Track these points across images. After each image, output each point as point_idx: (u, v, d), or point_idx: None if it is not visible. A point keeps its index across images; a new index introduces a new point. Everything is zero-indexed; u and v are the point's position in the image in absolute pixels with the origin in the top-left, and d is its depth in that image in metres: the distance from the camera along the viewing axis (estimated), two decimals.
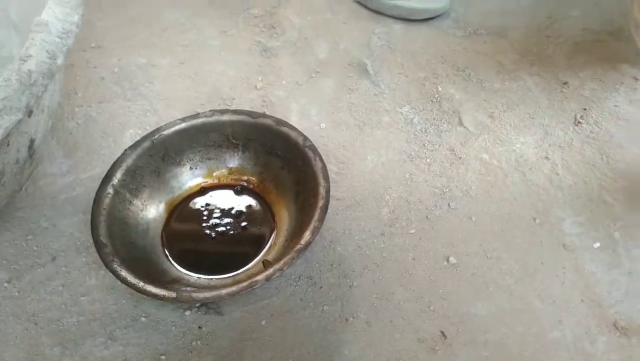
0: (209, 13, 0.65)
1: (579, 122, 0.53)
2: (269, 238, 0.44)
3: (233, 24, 0.64)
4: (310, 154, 0.44)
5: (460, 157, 0.50)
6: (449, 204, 0.47)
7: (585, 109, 0.54)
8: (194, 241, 0.45)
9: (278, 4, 0.66)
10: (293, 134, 0.45)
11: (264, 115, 0.47)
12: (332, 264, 0.44)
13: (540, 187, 0.48)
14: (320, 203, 0.40)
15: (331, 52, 0.59)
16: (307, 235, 0.38)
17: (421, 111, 0.54)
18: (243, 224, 0.45)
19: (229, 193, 0.47)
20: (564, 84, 0.56)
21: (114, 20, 0.63)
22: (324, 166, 0.43)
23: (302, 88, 0.56)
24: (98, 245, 0.39)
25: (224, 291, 0.36)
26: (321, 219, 0.39)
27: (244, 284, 0.36)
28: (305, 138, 0.45)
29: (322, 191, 0.41)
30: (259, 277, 0.37)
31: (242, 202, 0.47)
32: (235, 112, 0.47)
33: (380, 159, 0.50)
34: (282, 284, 0.43)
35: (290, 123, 0.52)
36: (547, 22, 0.62)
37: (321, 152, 0.50)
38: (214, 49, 0.61)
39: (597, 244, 0.44)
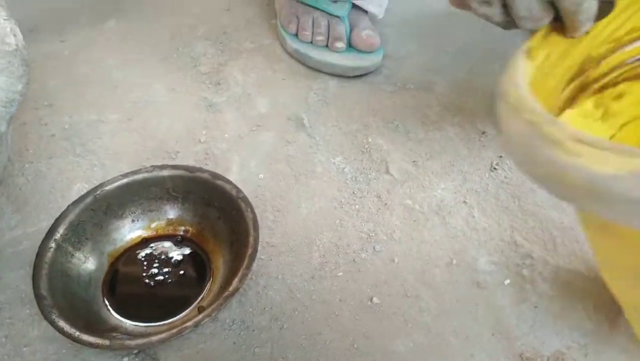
0: (158, 71, 0.69)
1: (494, 168, 0.58)
2: (205, 285, 0.47)
3: (181, 81, 0.68)
4: (243, 205, 0.47)
5: (386, 203, 0.54)
6: (374, 248, 0.51)
7: (500, 157, 0.59)
8: (134, 290, 0.47)
9: (225, 62, 0.71)
10: (227, 186, 0.49)
11: (200, 169, 0.50)
12: (264, 308, 0.47)
13: (458, 229, 0.52)
14: (249, 251, 0.44)
15: (271, 107, 0.64)
16: (235, 282, 0.42)
17: (352, 160, 0.58)
18: (181, 272, 0.48)
19: (169, 243, 0.50)
20: (482, 133, 0.61)
21: (66, 80, 0.67)
22: (255, 217, 0.46)
23: (243, 141, 0.61)
24: (38, 298, 0.42)
25: (154, 338, 0.39)
26: (249, 267, 0.43)
27: (174, 331, 0.39)
28: (239, 190, 0.48)
29: (251, 240, 0.45)
30: (188, 323, 0.40)
31: (181, 251, 0.50)
32: (174, 167, 0.50)
33: (314, 207, 0.54)
34: (217, 328, 0.46)
35: (231, 174, 0.56)
36: (469, 76, 0.68)
37: (258, 202, 0.54)
38: (161, 105, 0.65)
39: (507, 281, 0.49)
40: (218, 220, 0.49)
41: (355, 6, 0.70)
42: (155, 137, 0.61)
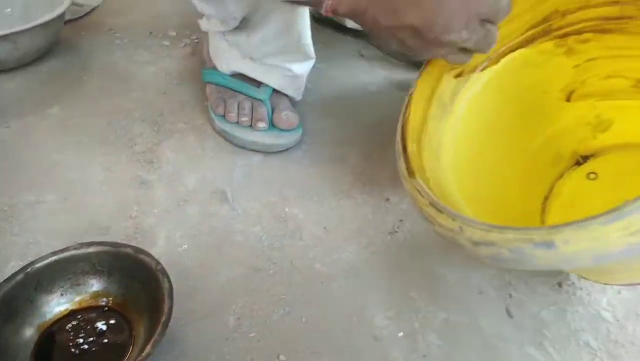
0: (95, 152, 0.75)
1: (395, 231, 0.65)
2: (127, 352, 0.52)
3: (117, 160, 0.74)
4: (160, 276, 0.53)
5: (298, 267, 0.60)
6: (284, 309, 0.56)
7: (401, 220, 0.66)
8: (61, 359, 0.51)
9: (159, 141, 0.77)
10: (148, 259, 0.54)
11: (124, 245, 0.56)
12: None
13: (362, 288, 0.59)
14: (163, 318, 0.49)
15: (199, 183, 0.71)
16: (148, 348, 0.46)
17: (270, 229, 0.65)
18: (105, 340, 0.52)
19: (95, 313, 0.55)
20: (387, 200, 0.69)
21: (8, 164, 0.73)
22: (171, 286, 0.52)
23: (171, 215, 0.67)
24: None
25: None
26: (162, 334, 0.48)
27: None
28: (158, 263, 0.54)
29: (165, 308, 0.50)
30: None
31: (106, 321, 0.54)
32: (100, 243, 0.56)
33: (232, 273, 0.60)
34: None
35: (157, 247, 0.62)
36: (380, 149, 0.77)
37: (181, 271, 0.59)
38: (96, 184, 0.70)
39: (401, 333, 0.55)
40: (140, 291, 0.54)
41: (276, 90, 0.78)
42: (89, 215, 0.66)
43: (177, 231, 0.64)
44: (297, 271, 0.60)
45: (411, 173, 0.47)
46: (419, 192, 0.45)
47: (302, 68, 0.78)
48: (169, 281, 0.52)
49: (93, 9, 1.08)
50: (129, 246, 0.56)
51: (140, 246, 0.61)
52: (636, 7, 0.48)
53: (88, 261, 0.55)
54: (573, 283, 0.60)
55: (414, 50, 0.47)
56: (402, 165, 0.48)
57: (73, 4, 1.04)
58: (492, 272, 0.61)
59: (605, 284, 0.58)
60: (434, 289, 0.59)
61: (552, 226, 0.34)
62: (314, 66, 0.79)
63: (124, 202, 0.68)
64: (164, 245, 0.63)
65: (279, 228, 0.65)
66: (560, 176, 0.64)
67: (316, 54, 0.77)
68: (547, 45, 0.55)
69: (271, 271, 0.60)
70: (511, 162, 0.60)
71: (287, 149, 0.76)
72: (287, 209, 0.67)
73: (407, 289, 0.59)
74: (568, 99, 0.60)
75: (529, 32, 0.54)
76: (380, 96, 0.86)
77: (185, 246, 0.63)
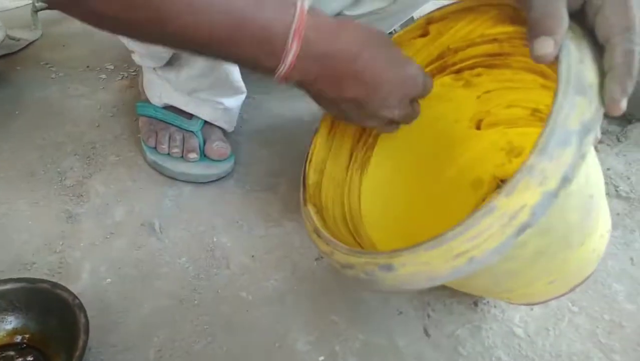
0: (24, 187, 0.75)
1: (321, 257, 0.67)
2: None
3: (45, 195, 0.74)
4: (77, 311, 0.52)
5: (223, 297, 0.61)
6: (207, 339, 0.57)
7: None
8: None
9: (89, 175, 0.77)
10: (65, 295, 0.54)
11: (42, 280, 0.55)
12: None
13: (286, 314, 0.60)
14: (77, 353, 0.49)
15: (127, 215, 0.71)
16: None
17: (197, 260, 0.65)
18: None
19: (13, 351, 0.54)
20: None
21: None
22: (87, 321, 0.52)
23: (97, 248, 0.66)
24: None
25: None
26: None
27: None
28: (75, 297, 0.54)
29: (80, 343, 0.50)
30: None
31: (24, 358, 0.53)
32: (17, 280, 0.55)
33: (156, 305, 0.60)
34: None
35: (80, 281, 0.62)
36: None
37: (103, 306, 0.59)
38: (22, 219, 0.70)
39: (322, 358, 0.56)
40: (57, 327, 0.54)
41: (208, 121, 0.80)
42: (13, 251, 0.65)
43: (102, 265, 0.64)
44: (222, 301, 0.61)
45: (305, 202, 0.51)
46: (308, 219, 0.48)
47: (233, 102, 0.80)
48: (85, 316, 0.52)
49: (30, 43, 1.08)
50: (46, 281, 0.55)
51: (63, 280, 0.62)
52: (510, 45, 0.52)
53: (5, 298, 0.55)
54: (488, 302, 0.62)
55: (352, 120, 0.52)
56: (300, 194, 0.51)
57: (9, 38, 1.04)
58: (412, 293, 0.63)
59: (512, 303, 0.61)
60: (356, 313, 0.60)
61: (394, 250, 0.37)
62: (251, 97, 0.81)
63: (50, 237, 0.68)
64: (87, 279, 0.63)
65: (206, 258, 0.66)
66: (483, 199, 0.67)
67: (253, 86, 0.79)
68: (446, 79, 0.58)
69: (196, 302, 0.61)
70: (425, 188, 0.63)
71: (219, 179, 0.77)
72: (215, 239, 0.68)
73: (329, 313, 0.60)
74: (478, 127, 0.64)
75: (428, 69, 0.58)
76: (316, 125, 0.88)
77: (109, 279, 0.63)
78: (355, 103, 0.49)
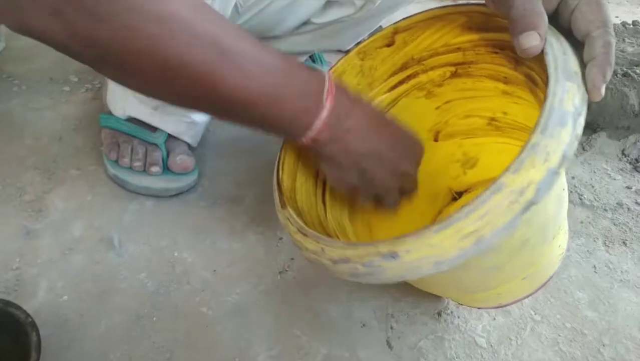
0: None
1: (285, 270, 0.66)
2: None
3: (2, 211, 0.72)
4: (29, 329, 0.51)
5: (182, 312, 0.60)
6: (165, 356, 0.56)
7: (292, 259, 0.67)
8: None
9: (49, 189, 0.76)
10: (17, 313, 0.52)
11: None
12: None
13: (247, 328, 0.59)
14: None
15: (86, 230, 0.69)
16: None
17: (156, 275, 0.64)
18: None
19: None
20: (280, 239, 0.70)
21: None
22: (39, 340, 0.50)
23: (54, 265, 0.65)
24: None
25: None
26: None
27: None
28: (27, 315, 0.52)
29: None
30: None
31: None
32: None
33: (113, 322, 0.59)
34: None
35: (36, 298, 0.60)
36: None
37: (60, 323, 0.57)
38: None
39: None
40: (9, 345, 0.52)
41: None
42: None
43: (60, 281, 0.63)
44: (181, 316, 0.60)
45: (283, 205, 0.49)
46: (289, 221, 0.47)
47: (201, 117, 0.79)
48: (38, 334, 0.50)
49: None
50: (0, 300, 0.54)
51: (20, 298, 0.60)
52: (474, 53, 0.53)
53: None
54: (451, 312, 0.62)
55: (371, 181, 0.52)
56: (276, 198, 0.50)
57: None
58: (375, 305, 0.62)
59: (479, 308, 0.61)
60: (318, 325, 0.60)
61: (396, 237, 0.37)
62: None
63: (7, 253, 0.66)
64: (44, 296, 0.61)
65: (166, 272, 0.64)
66: (440, 212, 0.67)
67: None
68: (409, 89, 0.59)
69: (154, 318, 0.59)
70: None
71: (182, 193, 0.76)
72: (176, 254, 0.67)
73: (292, 326, 0.60)
74: (436, 139, 0.64)
75: (392, 79, 0.58)
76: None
77: (66, 296, 0.61)
78: (378, 156, 0.50)
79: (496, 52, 0.52)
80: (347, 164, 0.50)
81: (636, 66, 0.96)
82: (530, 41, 0.40)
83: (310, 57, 0.97)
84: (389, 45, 0.57)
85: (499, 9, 0.44)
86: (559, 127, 0.35)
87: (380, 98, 0.60)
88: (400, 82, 0.58)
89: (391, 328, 0.60)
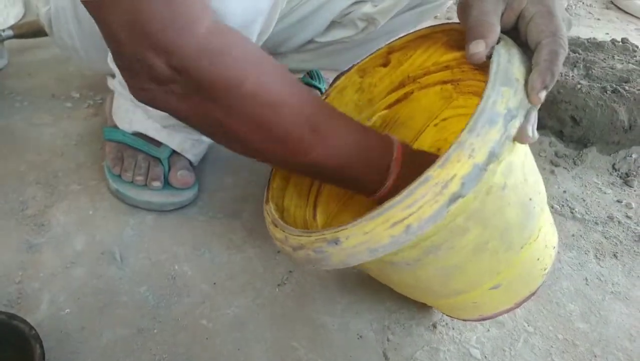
0: None
1: (283, 283, 0.67)
2: None
3: (5, 225, 0.73)
4: (33, 342, 0.52)
5: (182, 325, 0.61)
6: None
7: (290, 272, 0.69)
8: None
9: (51, 204, 0.77)
10: (22, 325, 0.53)
11: None
12: None
13: (246, 341, 0.60)
14: None
15: (87, 245, 0.70)
16: None
17: (157, 288, 0.65)
18: None
19: None
20: (277, 252, 0.72)
21: None
22: (42, 352, 0.51)
23: (56, 278, 0.66)
24: None
25: None
26: None
27: None
28: (31, 328, 0.53)
29: None
30: None
31: None
32: None
33: (114, 335, 0.60)
34: None
35: (39, 312, 0.61)
36: None
37: (62, 336, 0.58)
38: None
39: None
40: (13, 358, 0.53)
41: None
42: None
43: (62, 295, 0.64)
44: (182, 329, 0.61)
45: (267, 200, 0.55)
46: (268, 214, 0.52)
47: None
48: (41, 347, 0.52)
49: None
50: (2, 312, 0.54)
51: (22, 311, 0.61)
52: (460, 70, 0.55)
53: None
54: (447, 324, 0.64)
55: None
56: (264, 194, 0.56)
57: None
58: (371, 317, 0.64)
59: (464, 320, 0.62)
60: (316, 338, 0.61)
61: (340, 225, 0.41)
62: None
63: (9, 267, 0.67)
64: (46, 310, 0.62)
65: (167, 286, 0.66)
66: None
67: None
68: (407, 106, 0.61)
69: (155, 331, 0.60)
70: None
71: (182, 207, 0.77)
72: (176, 267, 0.68)
73: (290, 339, 0.61)
74: None
75: (390, 96, 0.60)
76: None
77: (68, 310, 0.62)
78: None
79: (476, 69, 0.54)
80: None
81: (625, 82, 0.99)
82: (476, 48, 0.43)
83: (308, 73, 0.99)
84: (384, 65, 0.59)
85: (462, 21, 0.48)
86: (488, 127, 0.38)
87: (380, 114, 0.62)
88: (399, 100, 0.60)
89: (387, 339, 0.61)
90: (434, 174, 0.38)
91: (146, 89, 0.45)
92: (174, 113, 0.48)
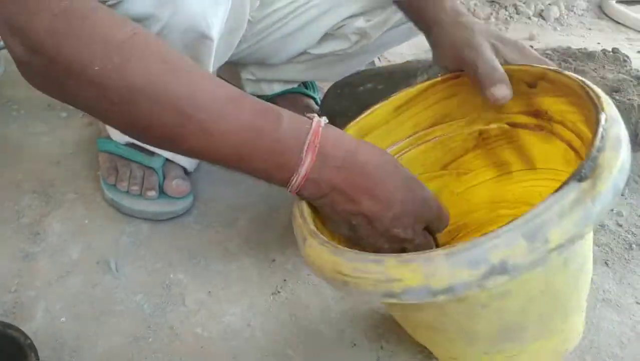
0: None
1: (278, 291, 0.68)
2: None
3: (0, 234, 0.73)
4: (28, 351, 0.52)
5: (177, 333, 0.61)
6: None
7: (285, 280, 0.69)
8: None
9: (48, 212, 0.77)
10: (16, 335, 0.54)
11: None
12: None
13: (241, 350, 0.60)
14: None
15: (83, 253, 0.71)
16: None
17: (152, 296, 0.66)
18: None
19: None
20: (273, 260, 0.72)
21: None
22: None
23: (52, 287, 0.66)
24: None
25: None
26: None
27: None
28: (26, 337, 0.53)
29: None
30: None
31: None
32: None
33: (110, 343, 0.60)
34: None
35: (35, 320, 0.61)
36: (269, 212, 0.80)
37: (57, 345, 0.59)
38: None
39: None
40: None
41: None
42: None
43: (57, 304, 0.64)
44: (177, 338, 0.61)
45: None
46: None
47: None
48: (37, 356, 0.52)
49: None
50: None
51: (18, 320, 0.61)
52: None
53: None
54: None
55: (362, 238, 0.50)
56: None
57: None
58: (366, 324, 0.64)
59: None
60: (311, 346, 0.61)
61: None
62: None
63: (5, 276, 0.67)
64: (42, 318, 0.62)
65: (162, 294, 0.66)
66: None
67: None
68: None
69: (150, 339, 0.61)
70: None
71: (177, 216, 0.78)
72: (171, 275, 0.69)
73: (285, 347, 0.61)
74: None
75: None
76: None
77: (64, 318, 0.62)
78: (367, 219, 0.47)
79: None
80: (337, 219, 0.49)
81: (616, 92, 1.00)
82: (502, 91, 0.49)
83: (302, 82, 1.00)
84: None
85: (465, 69, 0.54)
86: None
87: None
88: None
89: (381, 347, 0.62)
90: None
91: (21, 70, 0.45)
92: (51, 95, 0.46)
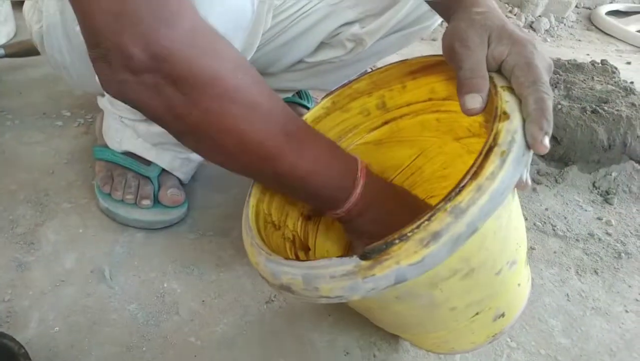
0: None
1: (271, 300, 0.68)
2: None
3: None
4: (22, 360, 0.52)
5: (171, 343, 0.62)
6: None
7: None
8: None
9: (42, 222, 0.78)
10: (11, 344, 0.54)
11: None
12: None
13: (234, 359, 0.61)
14: None
15: (77, 262, 0.71)
16: None
17: (146, 306, 0.66)
18: None
19: None
20: None
21: None
22: None
23: (46, 297, 0.66)
24: None
25: None
26: None
27: None
28: (21, 347, 0.54)
29: None
30: None
31: None
32: None
33: (103, 353, 0.60)
34: None
35: (28, 330, 0.61)
36: None
37: (51, 354, 0.59)
38: None
39: None
40: None
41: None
42: None
43: (51, 313, 0.64)
44: (170, 347, 0.61)
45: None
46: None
47: (197, 155, 0.81)
48: None
49: None
50: None
51: (11, 329, 0.61)
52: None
53: None
54: None
55: None
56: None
57: None
58: (358, 333, 0.65)
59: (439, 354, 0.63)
60: (304, 355, 0.62)
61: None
62: None
63: None
64: (35, 328, 0.62)
65: (156, 303, 0.66)
66: None
67: None
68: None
69: (144, 348, 0.61)
70: None
71: (171, 225, 0.78)
72: (165, 285, 0.69)
73: (278, 356, 0.62)
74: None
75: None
76: None
77: (58, 328, 0.62)
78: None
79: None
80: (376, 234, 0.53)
81: (604, 103, 1.02)
82: (474, 102, 0.46)
83: (297, 92, 1.01)
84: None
85: (453, 64, 0.50)
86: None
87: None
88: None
89: (374, 356, 0.62)
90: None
91: (119, 80, 0.44)
92: (144, 107, 0.46)
